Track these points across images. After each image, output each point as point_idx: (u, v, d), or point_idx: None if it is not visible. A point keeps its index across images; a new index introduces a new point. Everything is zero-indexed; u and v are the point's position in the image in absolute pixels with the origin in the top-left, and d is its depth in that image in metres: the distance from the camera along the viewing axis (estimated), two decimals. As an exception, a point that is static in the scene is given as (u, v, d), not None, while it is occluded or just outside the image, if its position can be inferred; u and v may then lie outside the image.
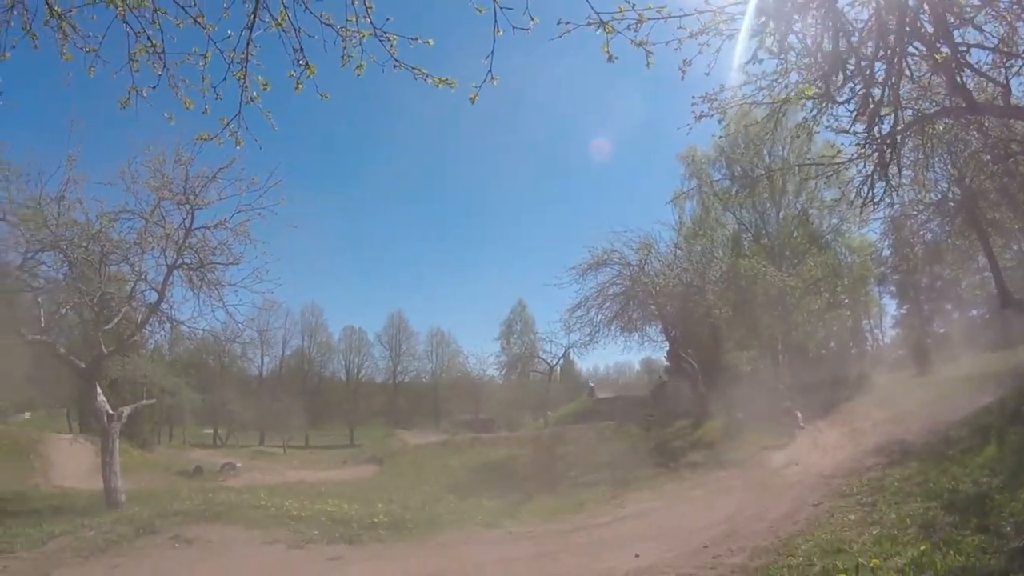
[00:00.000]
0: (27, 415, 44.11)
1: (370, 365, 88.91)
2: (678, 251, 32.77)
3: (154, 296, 18.85)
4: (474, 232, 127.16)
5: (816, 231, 46.78)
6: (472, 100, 5.94)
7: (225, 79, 5.98)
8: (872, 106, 9.28)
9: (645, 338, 32.58)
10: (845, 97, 9.57)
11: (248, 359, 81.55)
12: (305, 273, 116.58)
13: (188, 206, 17.93)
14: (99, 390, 18.06)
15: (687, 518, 14.64)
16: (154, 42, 5.90)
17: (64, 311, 18.84)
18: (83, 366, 18.18)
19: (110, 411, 17.96)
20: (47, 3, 5.80)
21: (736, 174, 47.06)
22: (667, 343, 30.93)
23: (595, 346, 33.66)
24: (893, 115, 10.22)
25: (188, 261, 18.67)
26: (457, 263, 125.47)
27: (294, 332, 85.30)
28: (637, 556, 11.32)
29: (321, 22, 5.68)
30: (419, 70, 5.81)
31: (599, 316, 30.08)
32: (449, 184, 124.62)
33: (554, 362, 40.89)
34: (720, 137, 12.08)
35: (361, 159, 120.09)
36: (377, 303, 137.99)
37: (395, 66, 5.76)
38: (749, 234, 47.29)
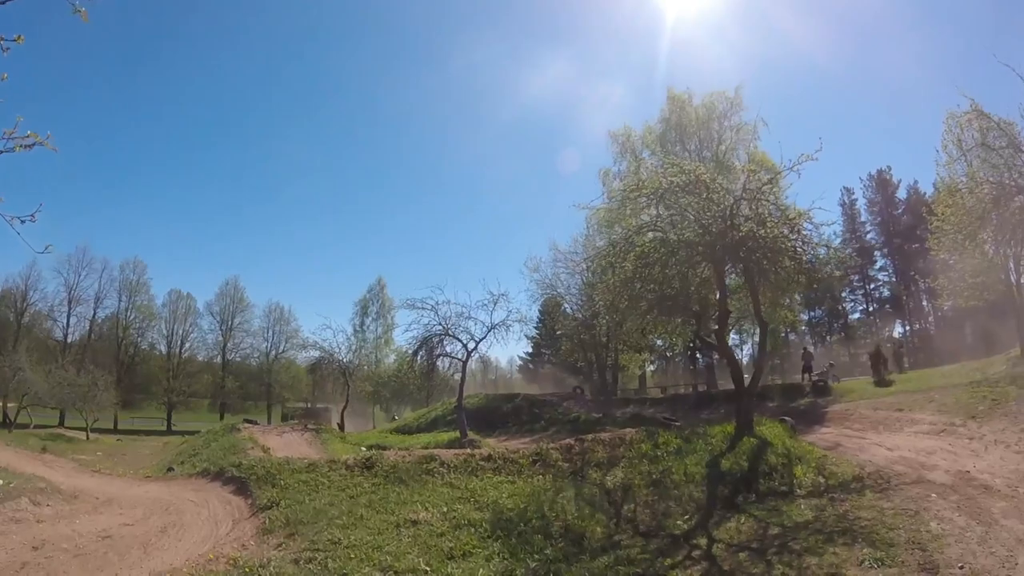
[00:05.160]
0: None
1: (197, 338, 73.45)
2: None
3: None
4: (329, 204, 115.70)
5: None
6: None
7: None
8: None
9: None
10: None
11: (52, 318, 64.97)
12: (126, 221, 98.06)
13: None
14: None
15: None
16: None
17: None
18: None
19: None
20: None
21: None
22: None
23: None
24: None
25: None
26: (307, 234, 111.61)
27: (110, 290, 68.34)
28: None
29: None
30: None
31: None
32: (302, 151, 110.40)
33: (471, 346, 28.19)
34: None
35: (202, 97, 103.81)
36: (211, 267, 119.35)
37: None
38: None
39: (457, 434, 29.66)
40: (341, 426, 38.66)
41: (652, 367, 61.27)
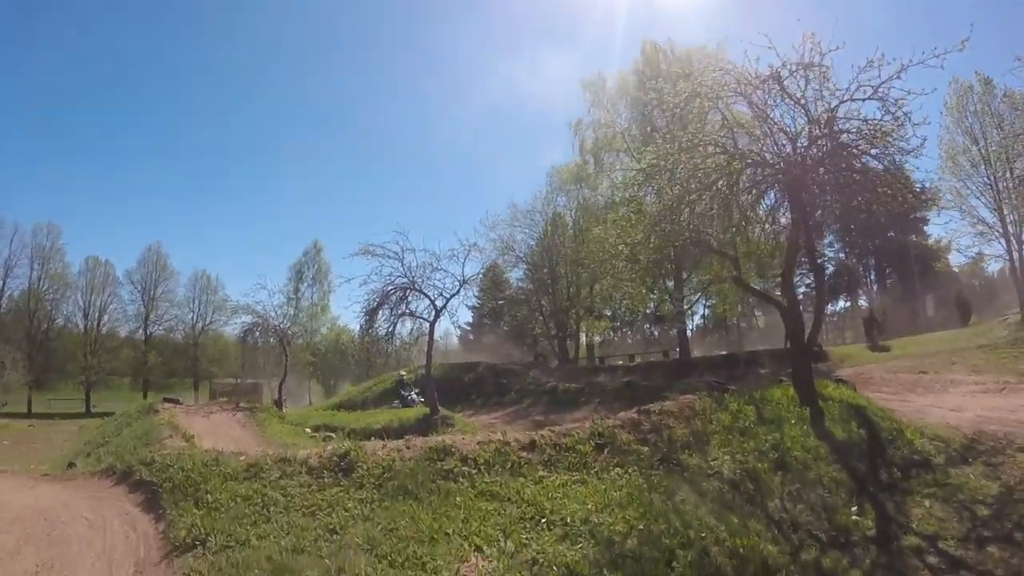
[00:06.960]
0: None
1: (116, 310, 65.30)
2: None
3: None
4: (260, 160, 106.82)
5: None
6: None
7: None
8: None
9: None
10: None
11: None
12: (36, 180, 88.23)
13: None
14: None
15: None
16: None
17: None
18: None
19: None
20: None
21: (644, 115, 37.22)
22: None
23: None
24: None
25: None
26: (236, 194, 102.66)
27: (21, 257, 59.76)
28: None
29: None
30: None
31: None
32: (226, 100, 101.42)
33: (440, 304, 23.02)
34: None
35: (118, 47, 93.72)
36: (131, 232, 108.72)
37: None
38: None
39: (423, 410, 24.55)
40: (279, 403, 32.50)
41: (599, 338, 57.01)
